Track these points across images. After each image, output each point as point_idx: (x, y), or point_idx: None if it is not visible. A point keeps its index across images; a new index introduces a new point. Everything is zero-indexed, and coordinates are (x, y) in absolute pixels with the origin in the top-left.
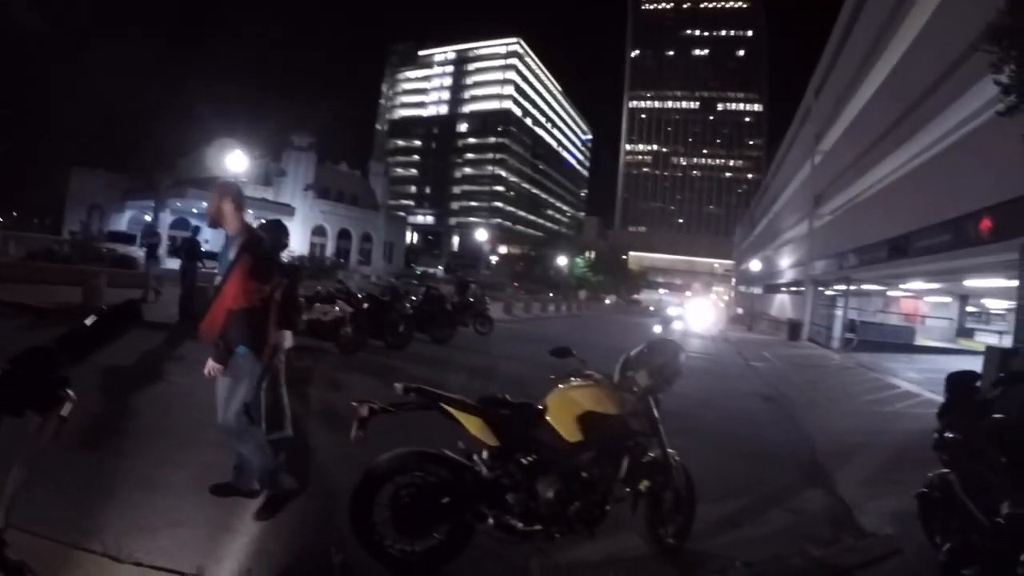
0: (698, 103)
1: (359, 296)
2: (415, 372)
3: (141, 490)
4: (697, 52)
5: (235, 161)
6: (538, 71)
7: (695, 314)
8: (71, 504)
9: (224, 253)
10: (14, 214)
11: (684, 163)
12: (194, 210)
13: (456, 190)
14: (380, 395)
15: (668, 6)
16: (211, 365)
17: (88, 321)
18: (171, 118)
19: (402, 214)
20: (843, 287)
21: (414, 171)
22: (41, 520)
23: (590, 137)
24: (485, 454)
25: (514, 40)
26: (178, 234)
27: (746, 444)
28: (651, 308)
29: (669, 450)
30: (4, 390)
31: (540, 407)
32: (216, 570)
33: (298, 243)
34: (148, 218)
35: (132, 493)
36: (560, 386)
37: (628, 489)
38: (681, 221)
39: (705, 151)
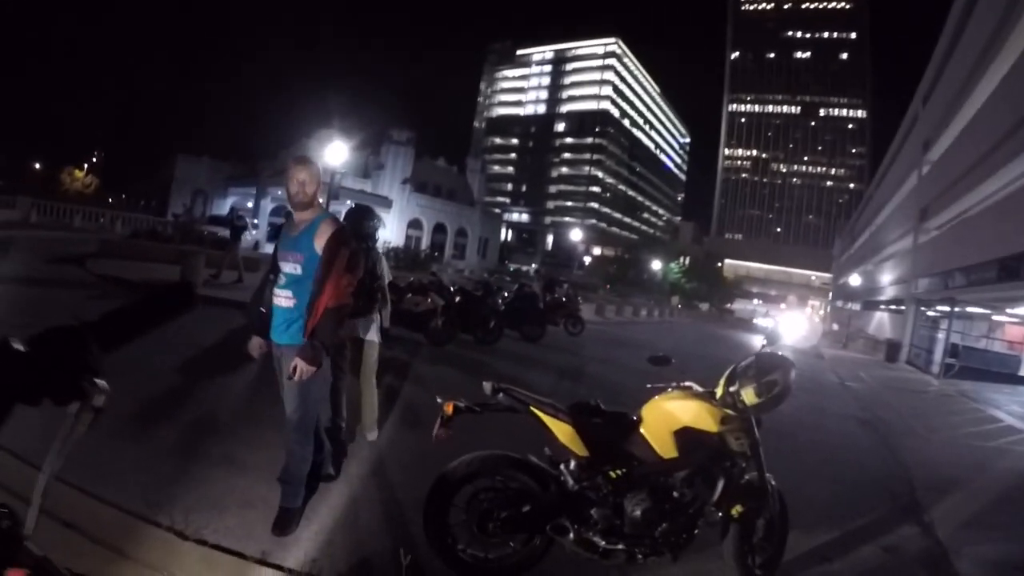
0: (799, 108)
1: (451, 289)
2: (503, 369)
3: (218, 468)
4: (799, 55)
5: (335, 152)
6: (636, 72)
7: (788, 327)
8: (146, 476)
9: (296, 238)
10: (123, 196)
11: (784, 170)
12: None
13: (552, 189)
14: (466, 391)
15: (769, 7)
16: (304, 367)
17: (131, 302)
18: (276, 110)
19: (497, 211)
20: (947, 308)
21: (511, 169)
22: (114, 488)
23: (688, 140)
24: (572, 464)
25: (612, 40)
26: (277, 220)
27: (839, 469)
28: (753, 320)
29: (767, 474)
30: (16, 374)
31: (635, 418)
32: (281, 556)
33: (394, 235)
34: (248, 204)
35: (209, 470)
36: (657, 397)
37: (720, 513)
38: (779, 230)
39: (806, 158)
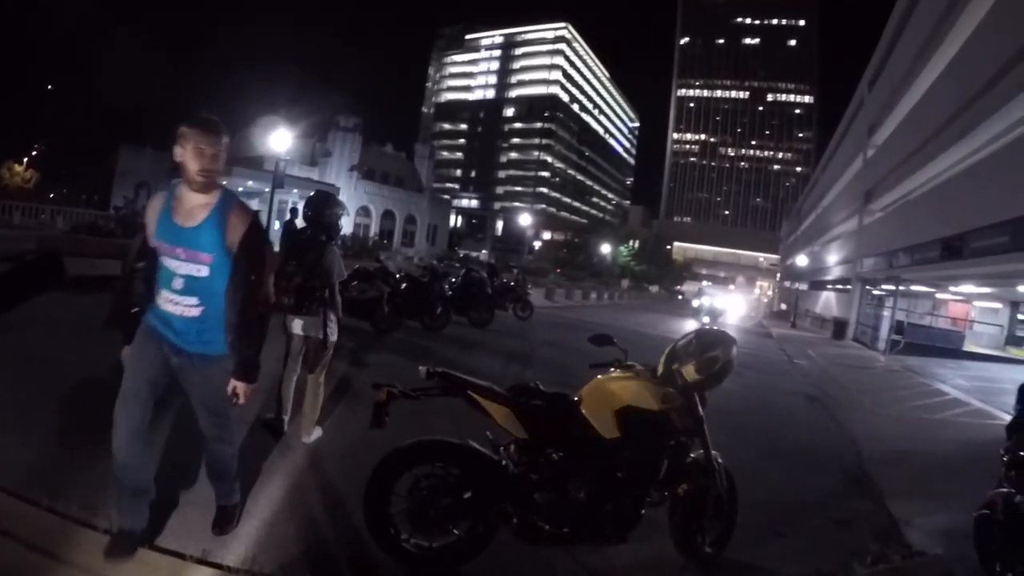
0: (747, 93)
1: (397, 276)
2: (450, 355)
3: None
4: (747, 41)
5: (280, 140)
6: (586, 57)
7: (727, 305)
8: (79, 476)
9: (195, 230)
10: (64, 191)
11: (732, 154)
12: (239, 188)
13: (501, 175)
14: (408, 378)
15: None
16: (245, 389)
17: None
18: (219, 97)
19: (447, 197)
20: (892, 287)
21: (460, 155)
22: (48, 491)
23: (637, 125)
24: (513, 448)
25: (562, 25)
26: None
27: (789, 445)
28: (692, 300)
29: (712, 451)
30: None
31: (575, 399)
32: (221, 554)
33: (343, 223)
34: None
35: None
36: (599, 377)
37: (666, 492)
38: (727, 213)
39: (753, 142)
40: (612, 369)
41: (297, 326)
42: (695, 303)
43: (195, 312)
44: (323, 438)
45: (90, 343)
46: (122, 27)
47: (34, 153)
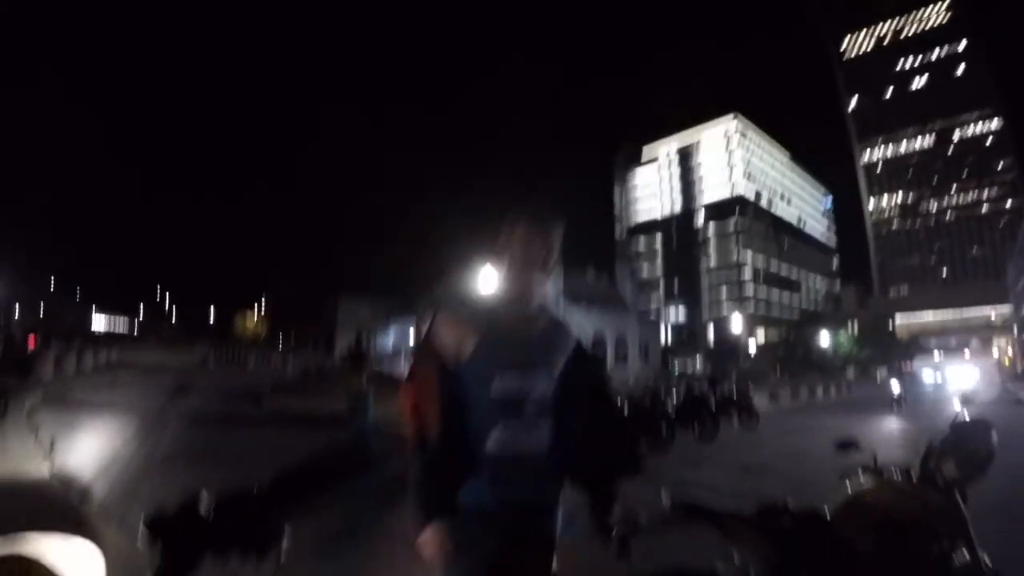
0: (932, 136)
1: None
2: (683, 474)
3: None
4: (916, 82)
5: (486, 279)
6: (762, 143)
7: (959, 379)
8: None
9: (533, 345)
10: (291, 335)
11: (933, 208)
12: None
13: (703, 283)
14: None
15: (869, 46)
16: None
17: (309, 465)
18: (428, 243)
19: (653, 319)
20: None
21: (659, 270)
22: None
23: (830, 199)
24: (764, 574)
25: (731, 116)
26: None
27: None
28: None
29: (981, 553)
30: (206, 531)
31: (827, 515)
32: None
33: None
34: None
35: None
36: (848, 487)
37: None
38: (944, 273)
39: (953, 188)
40: (862, 476)
41: None
42: (894, 388)
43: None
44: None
45: None
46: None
47: (263, 301)
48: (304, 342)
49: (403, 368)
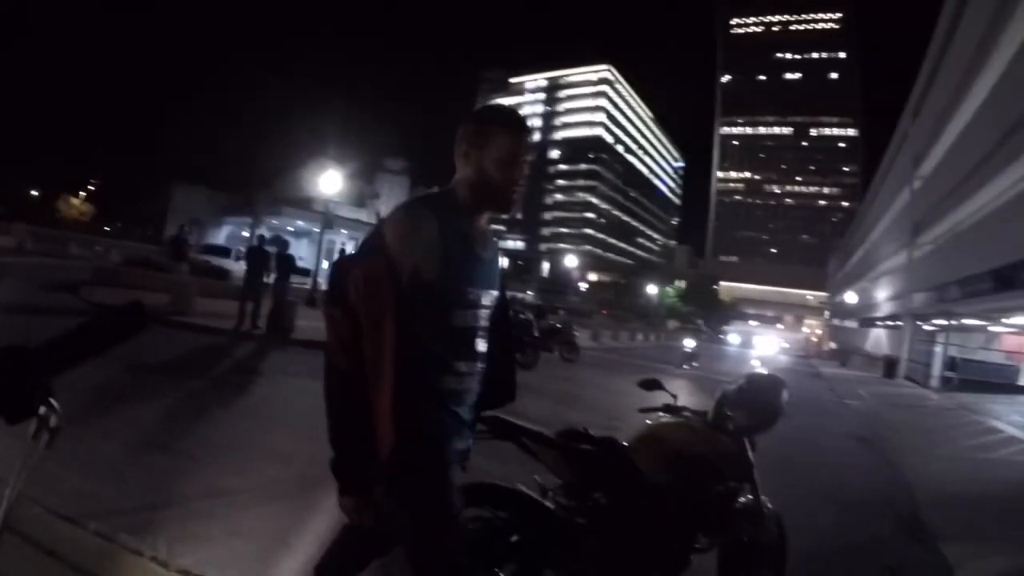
0: (791, 128)
1: None
2: None
3: (204, 496)
4: (789, 76)
5: (330, 181)
6: (629, 98)
7: (765, 344)
8: (132, 503)
9: (491, 263)
10: (119, 224)
11: (777, 191)
12: (289, 228)
13: (547, 216)
14: None
15: (758, 30)
16: None
17: (77, 325)
18: (269, 140)
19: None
20: (943, 321)
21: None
22: (97, 516)
23: (681, 164)
24: (561, 492)
25: (605, 67)
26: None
27: (839, 489)
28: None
29: (762, 497)
30: None
31: (625, 443)
32: None
33: None
34: (244, 234)
35: (194, 498)
36: (648, 422)
37: (715, 539)
38: (774, 251)
39: (799, 178)
40: (661, 414)
41: None
42: (686, 346)
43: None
44: None
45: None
46: (178, 66)
47: (91, 187)
48: (131, 231)
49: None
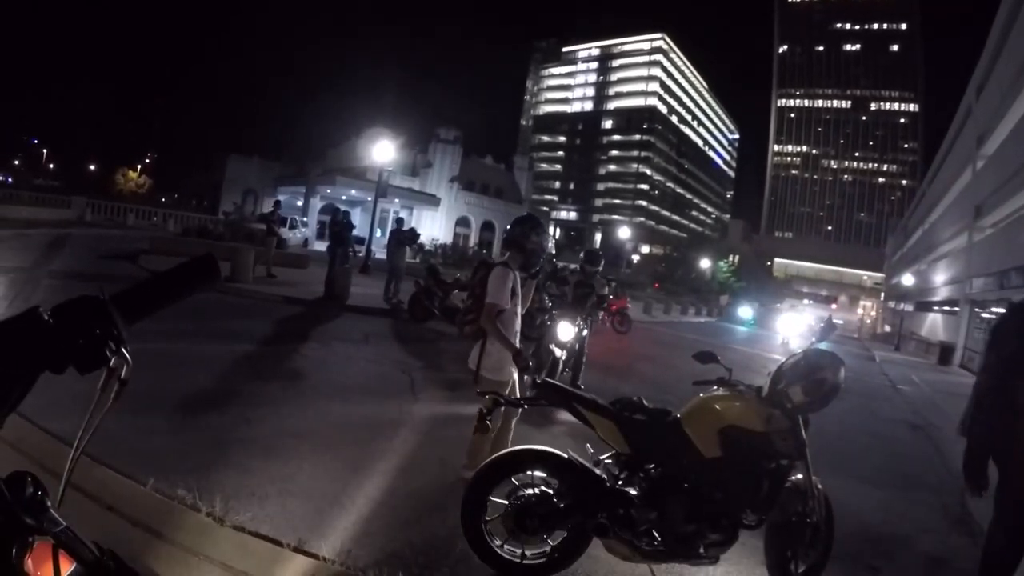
0: (849, 102)
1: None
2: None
3: (260, 457)
4: (848, 47)
5: (383, 150)
6: (683, 67)
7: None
8: (190, 462)
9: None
10: (176, 195)
11: (835, 166)
12: (343, 197)
13: (600, 187)
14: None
15: None
16: None
17: (152, 275)
18: (324, 111)
19: (545, 209)
20: (1003, 310)
21: (559, 167)
22: (155, 472)
23: (737, 137)
24: (612, 461)
25: (659, 36)
26: (326, 219)
27: (889, 475)
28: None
29: (813, 477)
30: (43, 342)
31: (678, 415)
32: (317, 544)
33: (443, 232)
34: (298, 203)
35: (251, 459)
36: (702, 395)
37: (763, 516)
38: (830, 228)
39: (857, 154)
40: (715, 388)
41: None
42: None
43: None
44: (427, 440)
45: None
46: (230, 39)
47: (147, 160)
48: (187, 201)
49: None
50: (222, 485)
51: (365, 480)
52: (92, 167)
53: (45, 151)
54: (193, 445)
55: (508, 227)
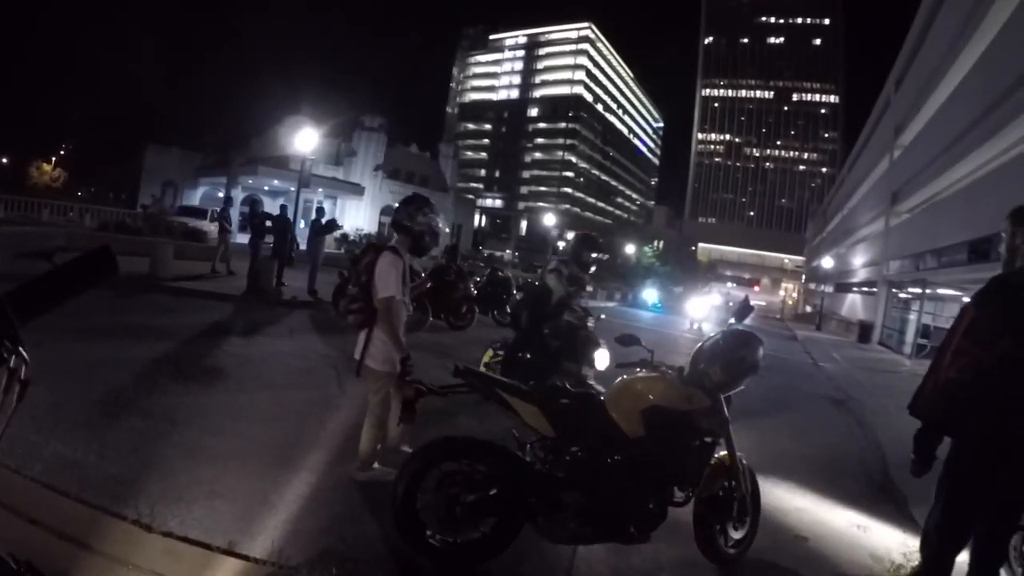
0: (772, 93)
1: (422, 275)
2: (476, 354)
3: (184, 459)
4: (772, 40)
5: (306, 139)
6: (609, 57)
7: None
8: (111, 468)
9: None
10: (91, 189)
11: (757, 154)
12: (265, 187)
13: (525, 175)
14: (436, 376)
15: None
16: None
17: (46, 271)
18: (244, 98)
19: (471, 197)
20: (918, 290)
21: (484, 155)
22: (77, 481)
23: (662, 125)
24: (539, 446)
25: (585, 24)
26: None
27: (813, 449)
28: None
29: (737, 453)
30: None
31: (602, 398)
32: (248, 545)
33: (367, 222)
34: (219, 194)
35: (175, 461)
36: (625, 376)
37: (690, 493)
38: (752, 214)
39: (779, 143)
40: (638, 369)
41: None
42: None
43: None
44: (352, 435)
45: (119, 344)
46: (146, 25)
47: (62, 152)
48: (105, 195)
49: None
50: (147, 491)
51: (294, 477)
52: (3, 160)
53: None
54: (115, 451)
55: (394, 209)
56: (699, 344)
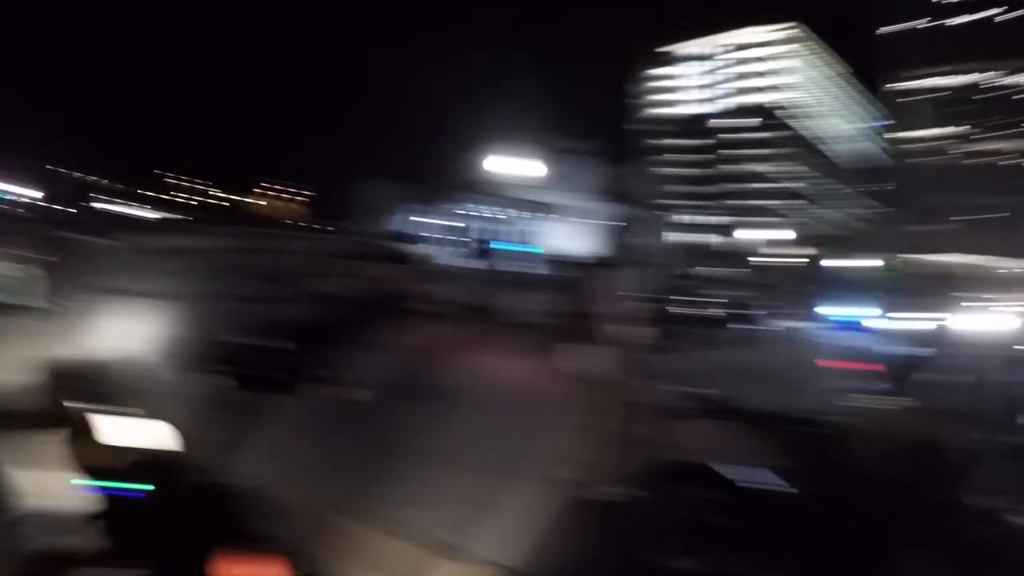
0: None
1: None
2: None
3: None
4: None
5: (495, 164)
6: (822, 52)
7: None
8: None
9: None
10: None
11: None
12: (473, 213)
13: (732, 187)
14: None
15: None
16: None
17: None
18: (445, 128)
19: (687, 218)
20: None
21: (685, 170)
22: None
23: (882, 122)
24: (782, 475)
25: (792, 24)
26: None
27: None
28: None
29: (1001, 497)
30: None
31: (852, 428)
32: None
33: (577, 242)
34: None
35: None
36: (873, 406)
37: (936, 536)
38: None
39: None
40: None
41: None
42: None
43: None
44: None
45: None
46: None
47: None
48: (331, 224)
49: None
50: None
51: None
52: (263, 203)
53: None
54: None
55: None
56: (975, 377)
